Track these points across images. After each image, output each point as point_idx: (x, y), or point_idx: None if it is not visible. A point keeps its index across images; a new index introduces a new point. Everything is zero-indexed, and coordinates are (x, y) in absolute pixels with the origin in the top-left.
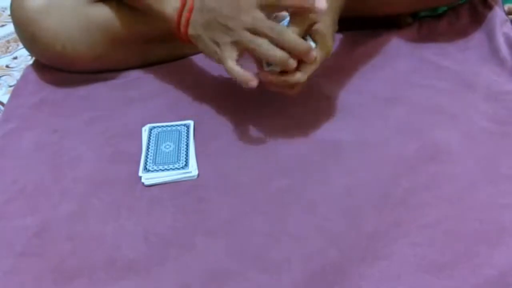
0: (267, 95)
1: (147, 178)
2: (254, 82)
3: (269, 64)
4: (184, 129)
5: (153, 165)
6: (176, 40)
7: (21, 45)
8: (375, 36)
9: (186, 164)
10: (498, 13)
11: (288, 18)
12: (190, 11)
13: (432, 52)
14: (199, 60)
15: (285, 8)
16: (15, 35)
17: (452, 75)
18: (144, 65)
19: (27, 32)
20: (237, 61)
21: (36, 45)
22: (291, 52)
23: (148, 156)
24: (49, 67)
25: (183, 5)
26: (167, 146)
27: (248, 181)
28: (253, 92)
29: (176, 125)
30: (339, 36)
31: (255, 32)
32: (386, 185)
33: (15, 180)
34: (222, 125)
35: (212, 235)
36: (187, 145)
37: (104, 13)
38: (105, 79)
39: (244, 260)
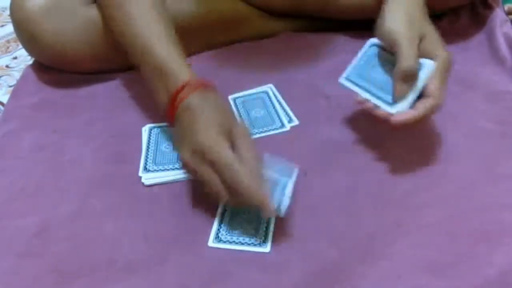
0: None
1: (147, 178)
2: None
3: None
4: None
5: (153, 165)
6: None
7: (21, 45)
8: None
9: None
10: (498, 13)
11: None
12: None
13: None
14: (199, 60)
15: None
16: (15, 35)
17: (452, 75)
18: None
19: (27, 33)
20: None
21: (35, 45)
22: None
23: (148, 156)
24: (49, 67)
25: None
26: (167, 146)
27: None
28: None
29: None
30: (339, 36)
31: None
32: (386, 185)
33: (15, 180)
34: None
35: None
36: None
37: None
38: (105, 79)
39: (244, 260)
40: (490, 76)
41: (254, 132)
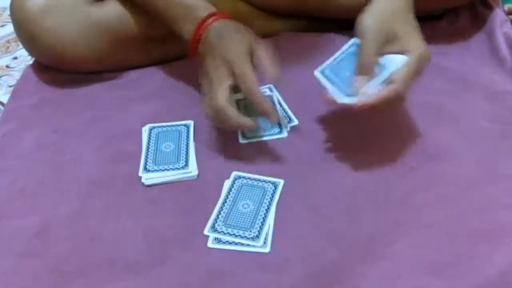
0: None
1: (147, 178)
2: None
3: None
4: (184, 129)
5: (153, 165)
6: (177, 40)
7: (21, 45)
8: None
9: (186, 164)
10: (498, 13)
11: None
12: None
13: (432, 52)
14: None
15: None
16: (15, 35)
17: (452, 75)
18: (144, 65)
19: (27, 33)
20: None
21: (36, 45)
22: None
23: (148, 156)
24: (49, 67)
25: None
26: (167, 146)
27: None
28: None
29: (176, 125)
30: (339, 36)
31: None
32: (386, 185)
33: (15, 180)
34: None
35: None
36: (187, 145)
37: (104, 13)
38: (105, 79)
39: (244, 260)
40: (490, 76)
41: (252, 136)
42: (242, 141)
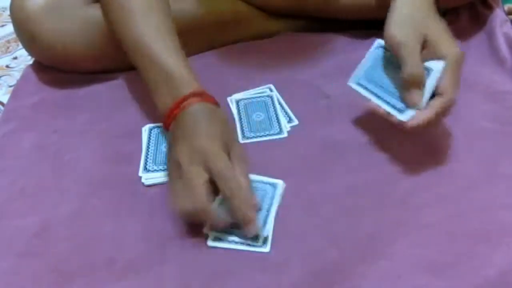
0: None
1: (147, 178)
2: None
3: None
4: None
5: (153, 165)
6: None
7: (21, 45)
8: (376, 36)
9: None
10: (498, 13)
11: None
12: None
13: None
14: (199, 60)
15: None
16: (15, 35)
17: None
18: None
19: (27, 33)
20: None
21: (36, 45)
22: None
23: (148, 156)
24: (49, 67)
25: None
26: (167, 146)
27: None
28: None
29: None
30: (339, 36)
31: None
32: (386, 185)
33: (15, 180)
34: None
35: None
36: None
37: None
38: (105, 79)
39: (244, 260)
40: (490, 76)
41: (252, 136)
42: (242, 141)
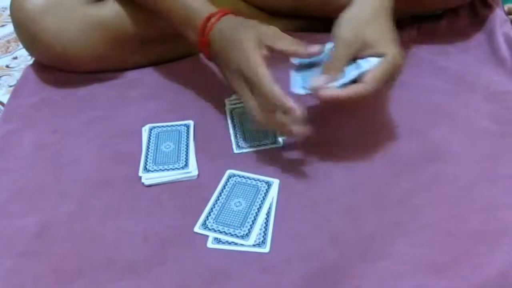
0: None
1: (147, 178)
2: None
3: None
4: (184, 129)
5: (153, 165)
6: (176, 40)
7: (21, 45)
8: None
9: (186, 164)
10: (498, 13)
11: (330, 44)
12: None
13: (432, 52)
14: (199, 60)
15: (281, 52)
16: (15, 35)
17: (452, 75)
18: (144, 65)
19: (27, 33)
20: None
21: (36, 45)
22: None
23: (148, 156)
24: (49, 67)
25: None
26: (167, 146)
27: None
28: None
29: (176, 125)
30: None
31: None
32: (386, 185)
33: (15, 180)
34: (222, 125)
35: None
36: (187, 145)
37: (105, 13)
38: (105, 79)
39: (244, 260)
40: (490, 76)
41: (247, 146)
42: (236, 151)
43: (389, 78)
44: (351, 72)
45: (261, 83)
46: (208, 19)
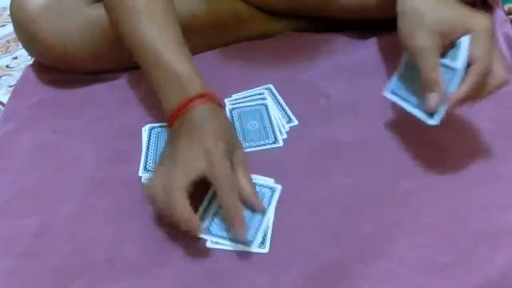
0: None
1: (147, 178)
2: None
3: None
4: None
5: (153, 165)
6: None
7: (21, 45)
8: (376, 36)
9: None
10: (498, 13)
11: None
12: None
13: None
14: (199, 60)
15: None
16: (15, 35)
17: None
18: None
19: (27, 33)
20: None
21: (36, 46)
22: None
23: (148, 156)
24: (49, 67)
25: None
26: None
27: None
28: None
29: None
30: (339, 36)
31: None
32: (386, 185)
33: (15, 180)
34: None
35: None
36: None
37: (104, 13)
38: (105, 79)
39: (244, 260)
40: None
41: (246, 146)
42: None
43: (493, 48)
44: (455, 77)
45: (225, 185)
46: (193, 99)
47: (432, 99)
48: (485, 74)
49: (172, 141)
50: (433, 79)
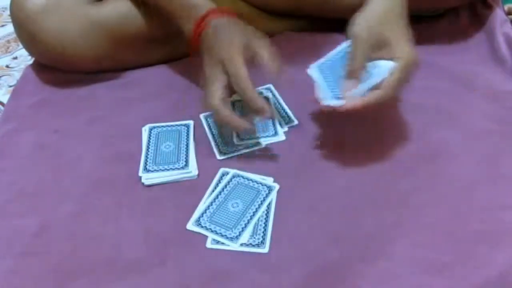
0: None
1: (147, 178)
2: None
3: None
4: (184, 129)
5: (153, 165)
6: (177, 40)
7: (21, 45)
8: None
9: (186, 164)
10: (498, 13)
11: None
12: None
13: (432, 52)
14: (199, 60)
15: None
16: (15, 35)
17: (452, 75)
18: (144, 65)
19: (27, 33)
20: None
21: (36, 46)
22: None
23: (148, 156)
24: (49, 67)
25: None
26: (167, 146)
27: None
28: None
29: (176, 125)
30: (339, 36)
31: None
32: (386, 185)
33: (15, 180)
34: None
35: None
36: (187, 145)
37: (104, 13)
38: (105, 79)
39: (244, 260)
40: (490, 76)
41: (247, 139)
42: (237, 142)
43: (405, 81)
44: (369, 80)
45: (239, 77)
46: (207, 15)
47: (351, 84)
48: (382, 101)
49: (202, 65)
50: (357, 67)
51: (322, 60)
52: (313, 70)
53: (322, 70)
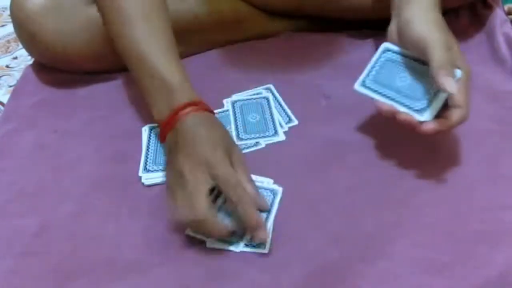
0: None
1: (147, 178)
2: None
3: None
4: None
5: (153, 165)
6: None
7: (21, 45)
8: (376, 36)
9: None
10: (498, 13)
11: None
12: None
13: None
14: (199, 60)
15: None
16: (15, 35)
17: None
18: None
19: (27, 33)
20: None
21: (36, 45)
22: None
23: (148, 156)
24: (49, 67)
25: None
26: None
27: None
28: None
29: None
30: (339, 36)
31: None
32: (386, 185)
33: (15, 180)
34: None
35: None
36: None
37: None
38: (105, 79)
39: (244, 260)
40: (490, 76)
41: (247, 137)
42: (237, 142)
43: (468, 91)
44: (439, 96)
45: (236, 188)
46: (185, 106)
47: (450, 81)
48: (464, 120)
49: (171, 162)
50: (449, 63)
51: (363, 74)
52: (360, 87)
53: (370, 83)
